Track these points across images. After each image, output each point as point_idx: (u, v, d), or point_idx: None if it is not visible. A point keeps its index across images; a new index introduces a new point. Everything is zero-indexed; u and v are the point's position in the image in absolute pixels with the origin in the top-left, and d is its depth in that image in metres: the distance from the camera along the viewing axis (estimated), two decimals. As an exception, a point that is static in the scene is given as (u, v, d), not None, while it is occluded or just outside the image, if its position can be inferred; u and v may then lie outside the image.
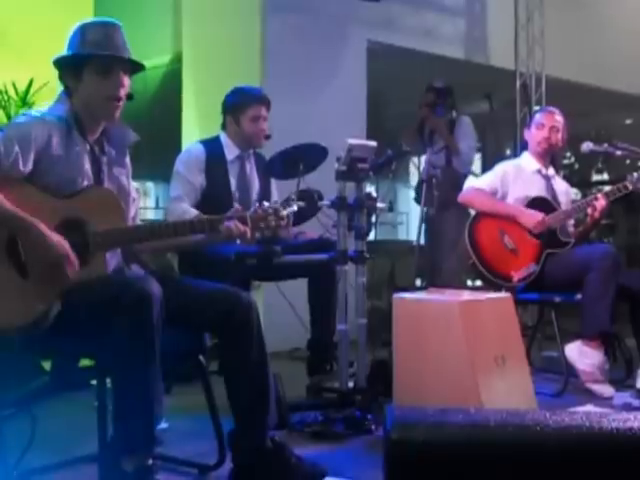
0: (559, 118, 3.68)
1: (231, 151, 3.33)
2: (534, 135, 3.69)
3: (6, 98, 4.12)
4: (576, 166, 9.87)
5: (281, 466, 2.12)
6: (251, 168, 3.40)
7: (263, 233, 2.16)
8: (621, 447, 1.09)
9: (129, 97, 2.14)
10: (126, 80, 2.12)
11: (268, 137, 3.32)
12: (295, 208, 2.21)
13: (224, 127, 3.37)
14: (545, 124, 3.66)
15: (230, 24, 5.03)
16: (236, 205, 3.20)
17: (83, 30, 2.10)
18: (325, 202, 2.94)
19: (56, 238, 1.93)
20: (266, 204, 2.18)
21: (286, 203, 2.21)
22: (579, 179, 8.95)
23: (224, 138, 3.35)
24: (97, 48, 2.08)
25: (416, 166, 4.84)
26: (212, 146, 3.32)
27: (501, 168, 3.71)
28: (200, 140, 3.45)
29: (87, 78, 2.09)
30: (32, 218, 1.91)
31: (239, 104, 3.30)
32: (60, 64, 2.13)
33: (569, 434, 1.10)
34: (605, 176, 9.19)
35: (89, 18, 2.30)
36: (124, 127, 2.23)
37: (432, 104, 4.57)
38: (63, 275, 1.93)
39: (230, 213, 2.20)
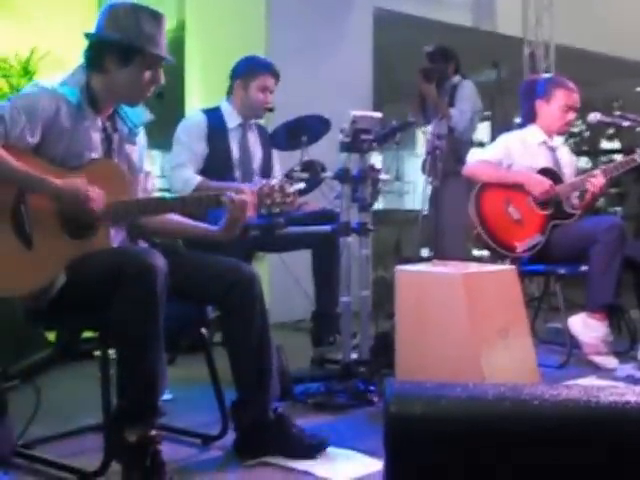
0: (577, 95, 3.58)
1: (232, 119, 3.31)
2: (557, 116, 3.56)
3: (8, 67, 4.10)
4: (586, 134, 9.76)
5: (282, 437, 2.14)
6: (254, 138, 3.39)
7: (269, 209, 2.15)
8: (618, 420, 1.09)
9: (160, 95, 2.15)
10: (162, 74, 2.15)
11: (271, 110, 3.32)
12: (302, 185, 2.20)
13: (229, 93, 3.36)
14: (571, 106, 3.55)
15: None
16: (237, 174, 3.23)
17: (138, 16, 2.07)
18: (328, 174, 2.92)
19: (69, 182, 1.94)
20: (273, 181, 2.16)
21: (292, 180, 2.19)
22: (589, 147, 8.85)
23: (226, 106, 3.33)
24: (152, 43, 2.07)
25: (425, 134, 4.79)
26: (213, 115, 3.31)
27: (505, 139, 3.66)
28: (201, 109, 3.44)
29: (134, 67, 2.08)
30: (42, 175, 1.92)
31: (251, 70, 3.28)
32: (107, 42, 2.08)
33: (566, 408, 1.10)
34: (616, 144, 9.08)
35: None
36: (140, 106, 2.22)
37: (425, 70, 4.53)
38: (91, 209, 1.95)
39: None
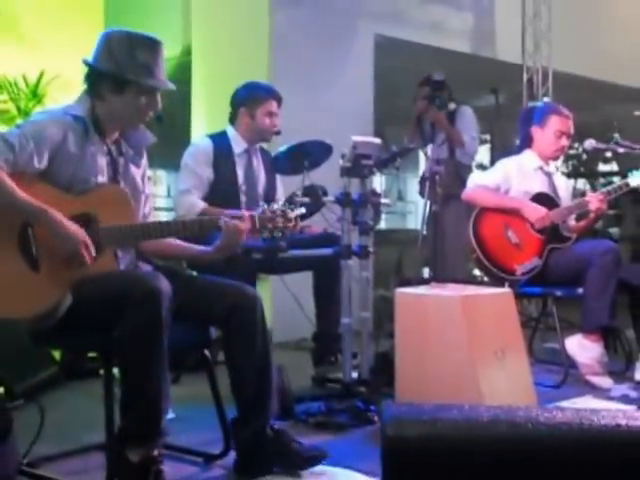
0: (571, 122, 3.67)
1: (238, 145, 3.38)
2: (551, 142, 3.64)
3: (16, 91, 4.15)
4: (583, 157, 9.81)
5: (281, 451, 2.16)
6: (258, 162, 3.45)
7: (271, 233, 2.20)
8: (610, 443, 1.12)
9: (159, 119, 2.20)
10: (160, 99, 2.19)
11: (278, 133, 3.38)
12: (303, 210, 2.25)
13: (233, 120, 3.42)
14: (564, 132, 3.63)
15: (239, 17, 5.06)
16: (243, 199, 3.29)
17: (132, 45, 2.11)
18: (329, 198, 2.98)
19: (74, 226, 1.97)
20: (275, 206, 2.21)
21: (294, 205, 2.24)
22: (587, 169, 8.91)
23: (231, 132, 3.40)
24: (146, 72, 2.11)
25: (426, 155, 4.84)
26: (219, 140, 3.36)
27: (503, 165, 3.73)
28: (207, 134, 3.50)
29: (129, 95, 2.13)
30: (47, 206, 1.95)
31: (256, 97, 3.34)
32: (101, 73, 2.13)
33: (560, 430, 1.13)
34: (614, 166, 9.13)
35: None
36: (142, 129, 2.27)
37: (430, 97, 4.58)
38: (80, 262, 1.97)
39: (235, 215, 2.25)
